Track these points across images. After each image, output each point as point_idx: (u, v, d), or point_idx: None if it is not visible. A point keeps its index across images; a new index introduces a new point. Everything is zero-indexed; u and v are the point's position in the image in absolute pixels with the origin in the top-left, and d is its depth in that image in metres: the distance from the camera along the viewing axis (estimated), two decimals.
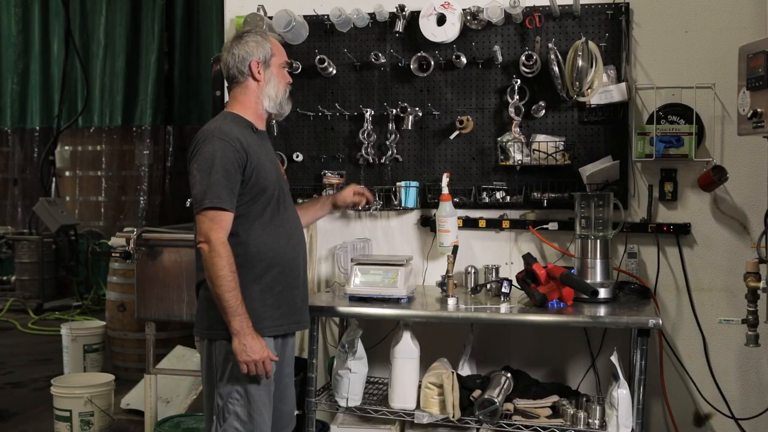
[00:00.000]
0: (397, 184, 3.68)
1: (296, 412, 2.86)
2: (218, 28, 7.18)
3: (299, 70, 3.81)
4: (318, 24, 3.79)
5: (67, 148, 9.20)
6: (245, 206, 2.50)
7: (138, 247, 3.70)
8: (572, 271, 3.33)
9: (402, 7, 3.62)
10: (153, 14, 8.89)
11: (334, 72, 3.80)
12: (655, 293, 3.42)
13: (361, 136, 3.74)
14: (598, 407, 2.98)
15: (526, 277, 3.12)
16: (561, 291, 3.01)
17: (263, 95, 2.61)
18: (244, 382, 2.47)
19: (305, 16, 3.77)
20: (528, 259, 3.13)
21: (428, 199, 3.67)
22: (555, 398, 3.10)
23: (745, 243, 3.34)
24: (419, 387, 3.18)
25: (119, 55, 9.03)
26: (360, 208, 3.18)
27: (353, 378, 3.22)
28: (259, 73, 2.59)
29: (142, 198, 9.07)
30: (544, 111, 3.50)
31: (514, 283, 3.25)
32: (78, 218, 8.86)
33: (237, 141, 2.47)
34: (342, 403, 3.23)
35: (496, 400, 2.97)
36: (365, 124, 3.73)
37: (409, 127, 3.64)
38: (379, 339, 3.64)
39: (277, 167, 2.67)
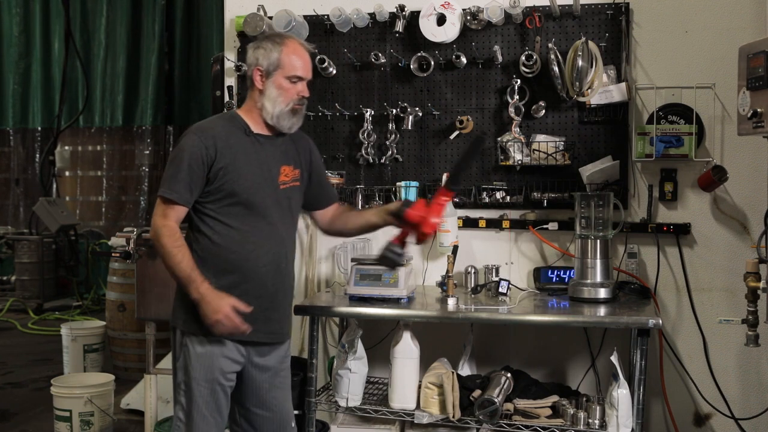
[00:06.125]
0: (397, 184, 3.68)
1: (293, 424, 2.74)
2: (218, 28, 7.18)
3: None
4: (318, 24, 3.80)
5: (67, 148, 9.20)
6: (211, 204, 2.48)
7: (138, 247, 3.70)
8: (572, 271, 3.34)
9: (402, 7, 3.62)
10: (153, 14, 8.89)
11: (334, 72, 3.80)
12: (655, 293, 3.42)
13: (361, 136, 3.74)
14: (598, 407, 2.98)
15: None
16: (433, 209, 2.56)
17: (261, 104, 2.56)
18: (188, 374, 2.48)
19: (305, 16, 3.78)
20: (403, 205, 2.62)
21: (428, 199, 3.66)
22: (555, 398, 3.10)
23: (745, 243, 3.34)
24: (419, 387, 3.18)
25: (120, 55, 9.03)
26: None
27: (353, 378, 3.22)
28: (260, 81, 2.55)
29: (142, 198, 9.07)
30: (544, 111, 3.50)
31: (503, 278, 3.25)
32: (78, 218, 8.86)
33: (211, 139, 2.46)
34: (342, 403, 3.23)
35: (496, 400, 2.97)
36: (365, 124, 3.73)
37: (409, 127, 3.64)
38: (379, 339, 3.64)
39: (268, 174, 2.55)
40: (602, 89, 3.39)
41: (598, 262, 3.18)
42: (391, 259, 2.52)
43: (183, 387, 2.50)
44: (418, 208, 2.53)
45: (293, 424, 2.72)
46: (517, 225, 3.57)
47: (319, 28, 3.81)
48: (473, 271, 3.50)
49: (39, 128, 9.51)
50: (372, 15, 3.70)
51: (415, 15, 3.63)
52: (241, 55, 3.91)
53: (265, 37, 2.62)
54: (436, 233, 2.65)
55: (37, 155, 9.49)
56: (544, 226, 3.50)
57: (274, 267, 2.55)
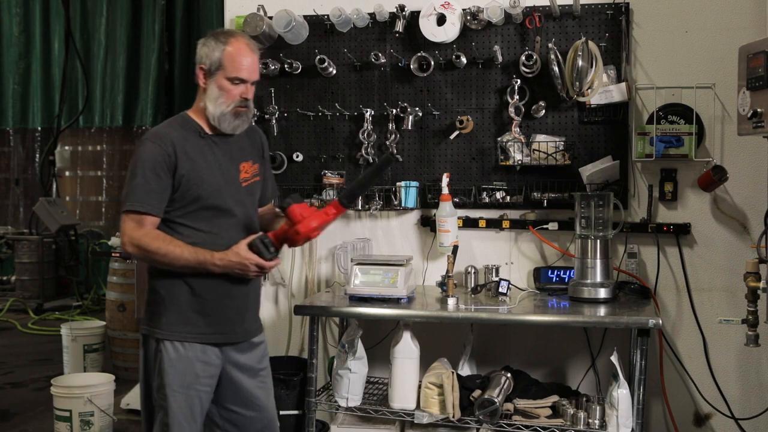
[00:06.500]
0: (397, 184, 3.68)
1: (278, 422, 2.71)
2: (218, 28, 7.20)
3: (299, 70, 3.82)
4: (318, 24, 3.80)
5: (67, 148, 9.20)
6: (176, 211, 2.43)
7: None
8: (572, 271, 3.34)
9: (402, 7, 3.62)
10: (153, 14, 8.89)
11: (334, 72, 3.80)
12: (655, 293, 3.42)
13: (361, 136, 3.74)
14: (598, 407, 2.98)
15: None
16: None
17: (204, 104, 2.48)
18: (163, 380, 2.44)
19: (305, 16, 3.78)
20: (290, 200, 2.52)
21: (428, 199, 3.67)
22: (555, 398, 3.10)
23: (745, 243, 3.34)
24: (419, 387, 3.18)
25: (120, 55, 9.03)
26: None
27: (353, 378, 3.22)
28: (202, 80, 2.48)
29: None
30: (544, 111, 3.51)
31: (503, 278, 3.24)
32: (78, 218, 8.85)
33: (170, 145, 2.40)
34: (342, 403, 3.23)
35: (496, 400, 2.97)
36: (365, 124, 3.73)
37: (409, 127, 3.64)
38: (379, 339, 3.64)
39: (228, 175, 2.50)
40: (602, 89, 3.39)
41: (598, 262, 3.18)
42: (257, 248, 2.40)
43: (164, 393, 2.44)
44: (304, 207, 2.46)
45: (277, 423, 2.69)
46: (517, 225, 3.57)
47: (319, 28, 3.81)
48: (473, 271, 3.50)
49: (39, 128, 9.50)
50: (372, 15, 3.70)
51: (415, 15, 3.64)
52: None
53: (212, 33, 2.52)
54: (307, 240, 2.45)
55: (37, 155, 9.48)
56: (544, 226, 3.50)
57: None
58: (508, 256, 3.62)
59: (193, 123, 2.50)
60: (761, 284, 2.82)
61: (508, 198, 3.56)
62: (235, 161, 2.55)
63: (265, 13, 3.79)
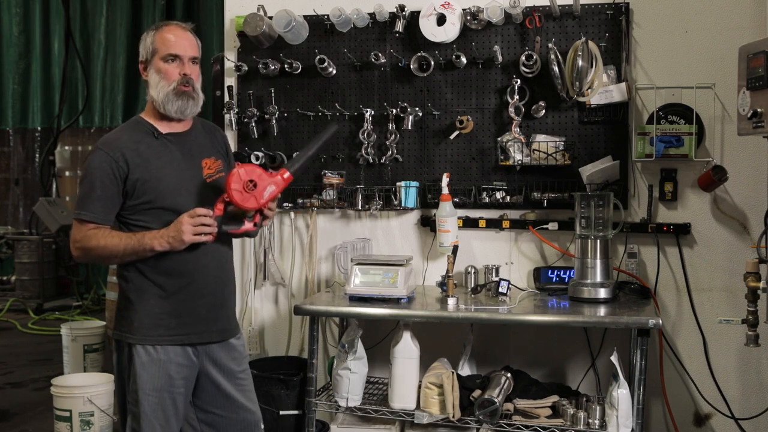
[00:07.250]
0: (397, 184, 3.68)
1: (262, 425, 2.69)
2: (218, 28, 7.18)
3: (299, 70, 3.82)
4: (318, 24, 3.80)
5: (67, 148, 9.20)
6: (138, 215, 2.42)
7: None
8: (572, 271, 3.34)
9: (402, 7, 3.62)
10: (153, 14, 8.90)
11: (334, 72, 3.80)
12: (655, 293, 3.42)
13: (361, 136, 3.74)
14: (598, 407, 2.98)
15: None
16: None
17: (151, 96, 2.48)
18: (135, 383, 2.42)
19: (305, 16, 3.78)
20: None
21: (428, 199, 3.67)
22: (555, 398, 3.10)
23: (745, 243, 3.34)
24: (419, 387, 3.18)
25: (120, 55, 9.04)
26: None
27: (353, 378, 3.22)
28: (143, 72, 2.50)
29: None
30: (544, 111, 3.50)
31: (503, 278, 3.24)
32: None
33: (119, 151, 2.39)
34: (342, 403, 3.23)
35: (496, 400, 2.97)
36: (365, 124, 3.73)
37: (409, 127, 3.64)
38: (379, 339, 3.64)
39: (189, 173, 2.48)
40: (602, 89, 3.39)
41: (598, 262, 3.18)
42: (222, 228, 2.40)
43: (135, 396, 2.43)
44: (251, 168, 2.42)
45: (261, 426, 2.67)
46: (517, 225, 3.57)
47: (319, 28, 3.81)
48: (473, 271, 3.50)
49: (39, 128, 9.51)
50: (372, 15, 3.70)
51: (415, 15, 3.64)
52: (241, 55, 3.91)
53: (147, 30, 2.55)
54: (236, 183, 2.39)
55: (37, 155, 9.49)
56: (544, 226, 3.50)
57: (215, 264, 2.51)
58: (508, 256, 3.62)
59: (146, 124, 2.50)
60: (761, 284, 2.82)
61: (508, 198, 3.56)
62: (195, 158, 2.53)
63: (265, 13, 3.79)
